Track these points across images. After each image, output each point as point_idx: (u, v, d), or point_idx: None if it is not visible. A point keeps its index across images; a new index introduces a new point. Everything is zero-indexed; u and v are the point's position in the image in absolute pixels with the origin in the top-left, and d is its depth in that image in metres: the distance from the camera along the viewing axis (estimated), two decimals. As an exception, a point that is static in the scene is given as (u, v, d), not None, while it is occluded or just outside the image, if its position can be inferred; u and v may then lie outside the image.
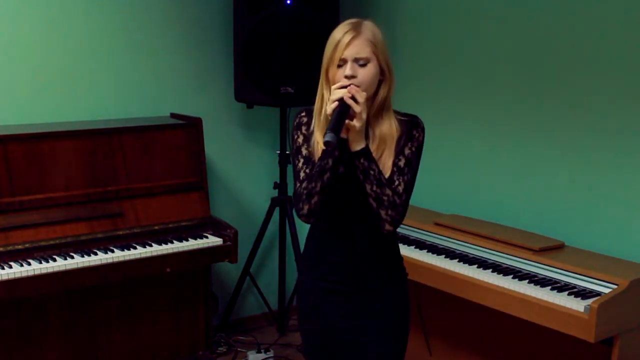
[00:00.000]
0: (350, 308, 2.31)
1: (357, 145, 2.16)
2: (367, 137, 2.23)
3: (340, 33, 2.20)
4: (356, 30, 2.20)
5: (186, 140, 3.76)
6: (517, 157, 3.53)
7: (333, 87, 2.17)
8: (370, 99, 2.23)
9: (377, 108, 2.25)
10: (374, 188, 2.17)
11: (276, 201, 4.21)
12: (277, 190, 4.22)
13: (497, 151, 3.62)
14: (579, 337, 2.70)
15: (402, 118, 2.27)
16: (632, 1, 3.03)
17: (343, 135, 2.15)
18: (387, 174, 2.21)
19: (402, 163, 2.23)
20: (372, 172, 2.16)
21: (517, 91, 3.51)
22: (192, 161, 3.77)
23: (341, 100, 2.11)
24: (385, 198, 2.17)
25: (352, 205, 2.27)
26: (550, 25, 3.34)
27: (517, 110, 3.51)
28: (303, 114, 2.35)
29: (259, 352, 4.05)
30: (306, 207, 2.21)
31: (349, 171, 2.23)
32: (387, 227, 2.21)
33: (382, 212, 2.19)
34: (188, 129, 3.78)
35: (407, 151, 2.24)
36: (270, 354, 4.07)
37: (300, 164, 2.28)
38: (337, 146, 2.11)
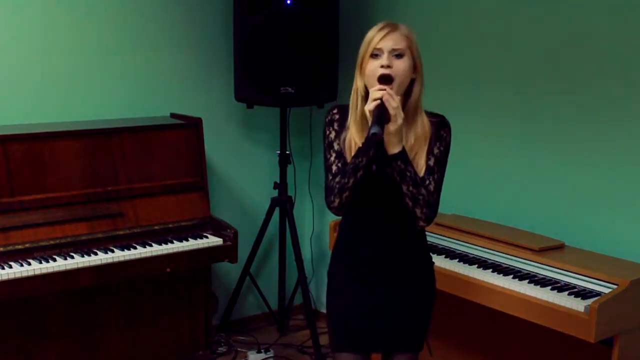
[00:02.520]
0: (379, 297, 2.42)
1: (394, 148, 2.22)
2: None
3: (376, 29, 2.28)
4: (393, 26, 2.28)
5: (186, 140, 3.76)
6: (518, 157, 3.53)
7: (372, 89, 2.21)
8: (404, 99, 2.29)
9: (411, 109, 2.31)
10: (410, 188, 2.25)
11: (276, 201, 4.21)
12: (277, 190, 4.22)
13: (498, 151, 3.62)
14: (579, 337, 2.71)
15: (432, 119, 2.35)
16: (632, 1, 3.03)
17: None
18: (421, 174, 2.29)
19: (432, 162, 2.31)
20: (408, 174, 2.24)
21: (518, 91, 3.51)
22: (192, 161, 3.77)
23: (380, 99, 2.16)
24: (420, 197, 2.26)
25: (383, 200, 2.35)
26: (552, 26, 3.34)
27: (518, 110, 3.51)
28: (335, 110, 2.41)
29: (259, 352, 4.06)
30: (337, 201, 2.30)
31: (380, 170, 2.30)
32: (422, 223, 2.33)
33: (418, 211, 2.28)
34: (188, 129, 3.78)
35: (436, 151, 2.32)
36: (270, 354, 4.07)
37: (332, 158, 2.35)
38: (379, 142, 2.18)
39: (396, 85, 2.23)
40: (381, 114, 2.15)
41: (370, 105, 2.17)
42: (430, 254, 2.56)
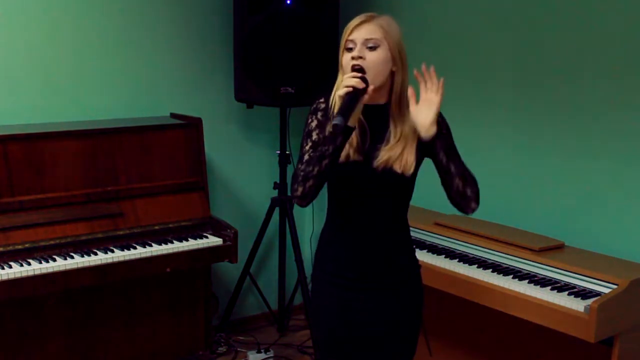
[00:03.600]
0: (366, 304, 2.31)
1: (430, 130, 2.15)
2: (388, 131, 2.23)
3: (353, 20, 2.22)
4: (369, 17, 2.22)
5: (186, 140, 3.76)
6: (518, 157, 3.53)
7: (345, 75, 2.17)
8: (387, 92, 2.24)
9: (395, 102, 2.24)
10: (459, 166, 2.22)
11: (276, 201, 4.21)
12: (277, 190, 4.22)
13: (497, 151, 3.62)
14: (579, 337, 2.70)
15: None
16: (633, 1, 3.04)
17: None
18: (410, 171, 2.22)
19: (452, 151, 2.24)
20: (452, 152, 2.21)
21: (517, 92, 3.51)
22: (192, 161, 3.77)
23: (352, 86, 2.11)
24: (467, 174, 2.22)
25: (369, 200, 2.27)
26: (553, 27, 3.34)
27: (518, 110, 3.51)
28: (322, 100, 2.34)
29: (259, 352, 4.05)
30: (300, 189, 2.20)
31: (367, 161, 2.22)
32: (473, 205, 2.26)
33: (468, 190, 2.23)
34: (188, 129, 3.78)
35: (449, 140, 2.25)
36: (270, 354, 4.07)
37: (307, 147, 2.27)
38: (343, 133, 2.12)
39: (370, 77, 2.17)
40: (350, 102, 2.10)
41: (341, 91, 2.12)
42: (417, 258, 2.45)
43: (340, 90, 2.13)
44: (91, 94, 3.82)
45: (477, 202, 2.25)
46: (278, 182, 4.22)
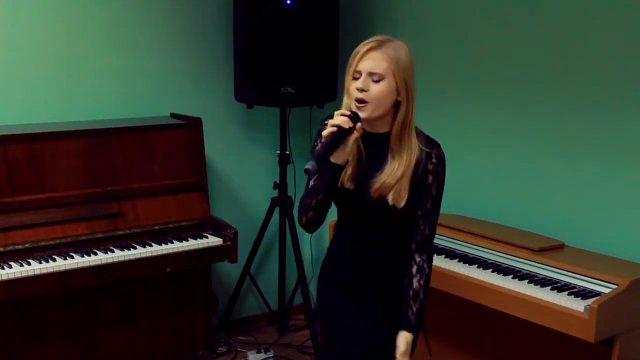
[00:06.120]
0: (362, 309, 2.36)
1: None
2: (386, 161, 2.23)
3: (362, 44, 2.19)
4: (378, 43, 2.18)
5: (186, 140, 3.76)
6: (518, 157, 3.53)
7: (336, 112, 2.16)
8: (390, 122, 2.23)
9: (396, 132, 2.22)
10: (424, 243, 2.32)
11: (276, 201, 4.21)
12: (277, 190, 4.22)
13: (498, 151, 3.62)
14: (579, 337, 2.70)
15: (424, 147, 2.24)
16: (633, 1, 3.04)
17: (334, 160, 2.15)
18: (401, 204, 2.22)
19: (429, 205, 2.26)
20: (435, 219, 2.33)
21: (517, 91, 3.51)
22: (192, 161, 3.77)
23: (338, 125, 2.11)
24: (426, 261, 2.32)
25: (365, 225, 2.31)
26: (553, 25, 3.34)
27: (518, 110, 3.51)
28: (327, 122, 2.28)
29: (259, 352, 4.05)
30: (303, 219, 2.27)
31: (361, 189, 2.24)
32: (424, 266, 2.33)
33: (417, 255, 2.31)
34: (188, 129, 3.78)
35: (433, 191, 2.25)
36: (270, 354, 4.07)
37: None
38: (331, 170, 2.15)
39: (370, 108, 2.17)
40: (332, 143, 2.10)
41: (325, 131, 2.12)
42: None
43: (325, 130, 2.13)
44: (91, 94, 3.82)
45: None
46: (278, 182, 4.22)
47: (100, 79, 3.84)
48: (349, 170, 2.25)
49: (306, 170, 2.05)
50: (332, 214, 2.39)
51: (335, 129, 2.12)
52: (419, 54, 4.16)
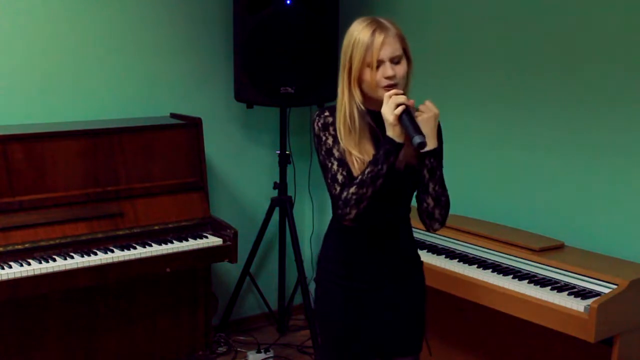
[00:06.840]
0: (377, 304, 2.36)
1: (430, 144, 2.18)
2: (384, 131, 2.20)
3: (367, 34, 2.17)
4: (382, 28, 2.19)
5: (186, 140, 3.76)
6: (518, 157, 3.53)
7: (387, 93, 2.14)
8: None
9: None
10: (437, 188, 2.23)
11: (276, 201, 4.21)
12: (277, 190, 4.22)
13: (498, 151, 3.62)
14: (579, 337, 2.70)
15: None
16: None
17: (395, 137, 2.14)
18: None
19: (436, 171, 2.24)
20: (438, 173, 2.22)
21: (517, 91, 3.51)
22: (192, 161, 3.77)
23: (403, 103, 2.12)
24: (443, 199, 2.25)
25: (388, 204, 2.28)
26: (553, 24, 3.34)
27: (518, 110, 3.51)
28: (327, 113, 2.28)
29: (259, 352, 4.05)
30: (354, 212, 2.17)
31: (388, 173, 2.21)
32: (437, 226, 2.30)
33: (437, 212, 2.26)
34: (188, 129, 3.78)
35: (438, 149, 2.25)
36: (270, 354, 4.07)
37: (335, 167, 2.22)
38: (396, 150, 2.14)
39: (401, 88, 2.20)
40: (412, 118, 2.12)
41: (397, 110, 2.10)
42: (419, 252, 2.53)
43: (396, 109, 2.11)
44: (91, 94, 3.82)
45: (442, 225, 2.31)
46: (278, 182, 4.22)
47: (100, 79, 3.84)
48: (370, 152, 2.20)
49: (422, 144, 2.07)
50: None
51: (404, 106, 2.12)
52: (419, 53, 4.17)
